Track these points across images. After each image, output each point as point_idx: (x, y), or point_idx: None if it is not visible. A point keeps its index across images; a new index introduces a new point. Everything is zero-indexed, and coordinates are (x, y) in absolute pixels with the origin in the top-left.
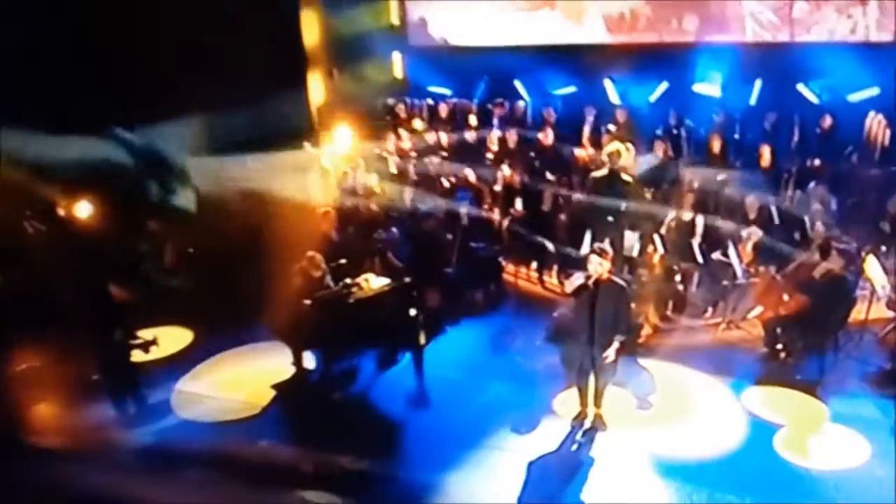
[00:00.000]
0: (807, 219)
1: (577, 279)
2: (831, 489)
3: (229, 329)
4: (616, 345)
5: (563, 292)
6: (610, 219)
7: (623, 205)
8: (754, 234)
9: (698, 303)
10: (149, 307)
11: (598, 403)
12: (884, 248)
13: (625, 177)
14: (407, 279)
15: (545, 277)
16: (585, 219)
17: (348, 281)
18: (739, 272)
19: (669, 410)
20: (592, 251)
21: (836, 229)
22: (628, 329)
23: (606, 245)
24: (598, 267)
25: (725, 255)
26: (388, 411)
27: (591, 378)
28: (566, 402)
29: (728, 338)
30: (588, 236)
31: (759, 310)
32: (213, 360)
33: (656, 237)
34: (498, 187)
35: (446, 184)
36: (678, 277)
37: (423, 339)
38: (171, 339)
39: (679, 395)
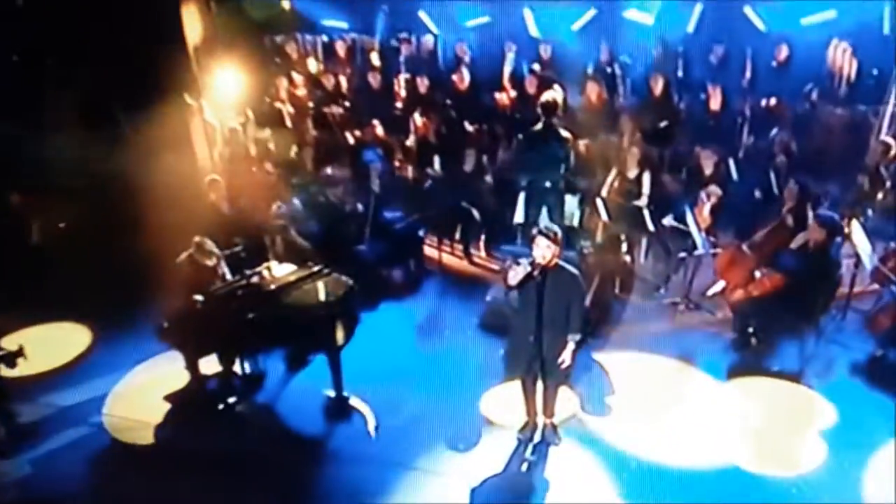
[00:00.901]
0: (772, 175)
1: (521, 269)
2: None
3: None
4: (571, 346)
5: (506, 285)
6: (548, 184)
7: (562, 166)
8: (713, 193)
9: (649, 278)
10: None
11: (548, 412)
12: (869, 212)
13: (563, 133)
14: (317, 267)
15: (472, 251)
16: (516, 181)
17: (247, 272)
18: (700, 242)
19: (629, 414)
20: (540, 232)
21: (811, 188)
22: (583, 326)
23: (553, 225)
24: (546, 251)
25: (681, 220)
26: (298, 426)
27: (540, 383)
28: (510, 408)
29: (689, 321)
30: (521, 202)
31: (720, 285)
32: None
33: (598, 201)
34: (410, 142)
35: (351, 140)
36: (624, 248)
37: (340, 337)
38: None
39: (639, 395)
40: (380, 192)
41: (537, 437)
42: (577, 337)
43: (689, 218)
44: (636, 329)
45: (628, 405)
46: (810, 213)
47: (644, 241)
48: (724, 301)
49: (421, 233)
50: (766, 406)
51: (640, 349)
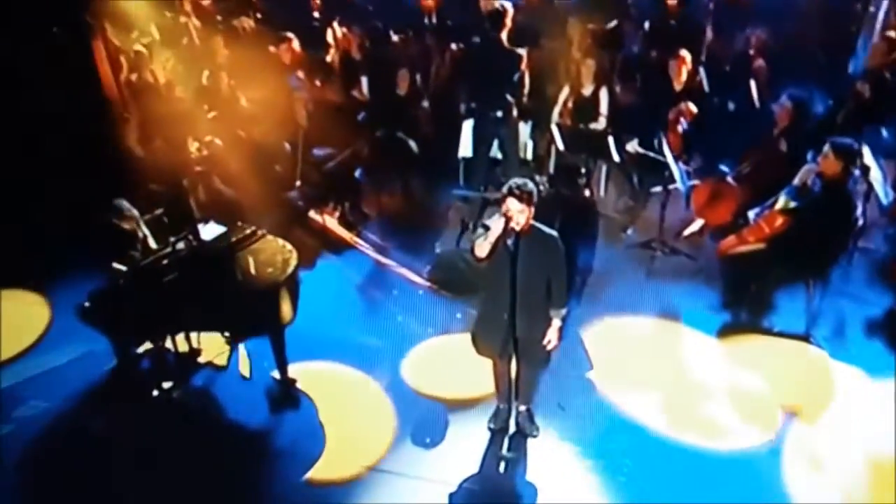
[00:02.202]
0: (752, 84)
1: (490, 236)
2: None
3: None
4: (557, 322)
5: (475, 257)
6: (499, 113)
7: (513, 89)
8: (686, 110)
9: (614, 216)
10: None
11: (524, 399)
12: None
13: (513, 49)
14: (250, 229)
15: (413, 191)
16: (459, 107)
17: (172, 238)
18: (677, 174)
19: (614, 393)
20: (511, 193)
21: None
22: (565, 297)
23: (526, 181)
24: (519, 216)
25: (648, 146)
26: (239, 416)
27: (514, 365)
28: (477, 387)
29: (665, 269)
30: (467, 131)
31: (698, 223)
32: None
33: (554, 128)
34: (331, 57)
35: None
36: (582, 181)
37: (285, 314)
38: None
39: (621, 368)
40: (307, 123)
41: (511, 427)
42: (563, 311)
43: (665, 145)
44: (606, 282)
45: (610, 381)
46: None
47: (603, 172)
48: (702, 242)
49: (357, 174)
50: (773, 374)
51: (615, 309)
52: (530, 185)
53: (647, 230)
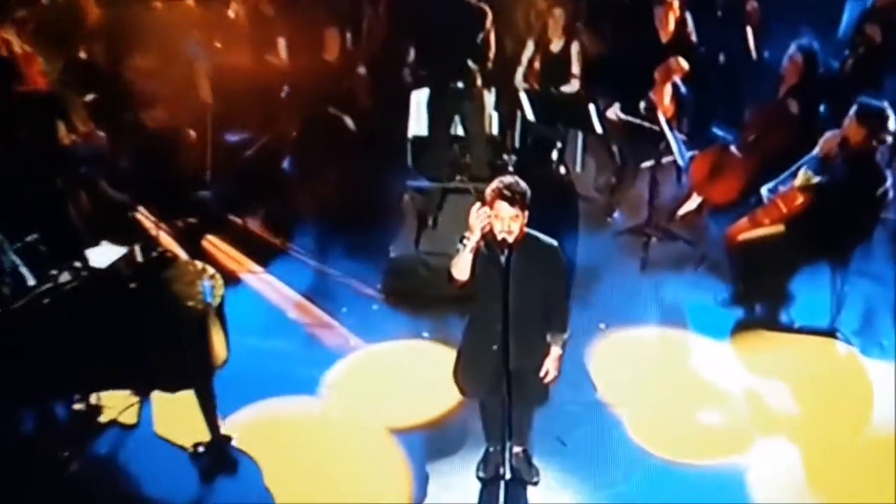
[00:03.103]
0: (748, 32)
1: (466, 253)
2: None
3: None
4: (556, 351)
5: (454, 282)
6: (461, 85)
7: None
8: (677, 67)
9: (598, 197)
10: None
11: (520, 439)
12: None
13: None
14: (160, 249)
15: (355, 181)
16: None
17: (53, 271)
18: (675, 145)
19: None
20: (501, 195)
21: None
22: (566, 320)
23: (519, 181)
24: (512, 223)
25: (632, 112)
26: (158, 495)
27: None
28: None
29: (661, 258)
30: (419, 105)
31: (696, 201)
32: None
33: (522, 95)
34: (234, 12)
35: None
36: (555, 156)
37: (217, 355)
38: None
39: (626, 391)
40: (214, 103)
41: (504, 473)
42: (565, 337)
43: (659, 111)
44: (595, 279)
45: (616, 405)
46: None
47: (579, 146)
48: (700, 223)
49: (286, 164)
50: (797, 380)
51: (609, 312)
52: (522, 184)
53: (635, 212)
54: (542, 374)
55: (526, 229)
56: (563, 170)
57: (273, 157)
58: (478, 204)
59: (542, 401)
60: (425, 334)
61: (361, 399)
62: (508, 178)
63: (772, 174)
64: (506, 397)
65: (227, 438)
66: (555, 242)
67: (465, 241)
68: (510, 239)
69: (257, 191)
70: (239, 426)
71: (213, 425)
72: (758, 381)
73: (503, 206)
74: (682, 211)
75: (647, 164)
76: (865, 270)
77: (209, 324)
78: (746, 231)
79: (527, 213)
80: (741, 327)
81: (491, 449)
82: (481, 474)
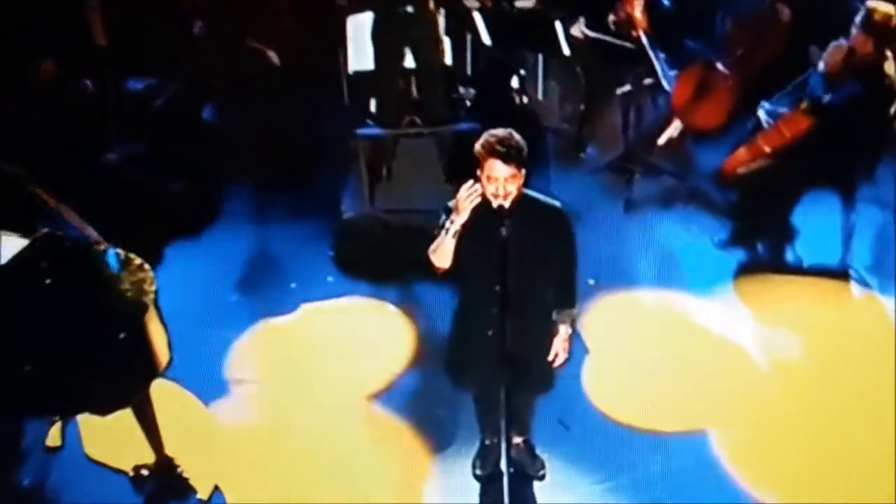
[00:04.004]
0: None
1: (450, 232)
2: None
3: None
4: (566, 331)
5: (435, 267)
6: (410, 9)
7: None
8: None
9: (566, 129)
10: None
11: (520, 428)
12: None
13: None
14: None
15: (290, 130)
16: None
17: None
18: (658, 64)
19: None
20: (493, 151)
21: None
22: (575, 294)
23: (514, 135)
24: (509, 184)
25: (605, 27)
26: None
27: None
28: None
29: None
30: (358, 34)
31: (676, 127)
32: None
33: (476, 14)
34: None
35: None
36: (515, 83)
37: (160, 355)
38: None
39: (631, 354)
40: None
41: (505, 468)
42: (574, 312)
43: (640, 32)
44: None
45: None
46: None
47: (540, 70)
48: (684, 152)
49: (207, 114)
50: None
51: (595, 265)
52: (517, 136)
53: (610, 145)
54: (550, 357)
55: (525, 191)
56: (525, 98)
57: (190, 106)
58: (470, 182)
59: (547, 388)
60: (391, 307)
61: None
62: (501, 131)
63: (764, 94)
64: (505, 387)
65: (169, 461)
66: (558, 203)
67: (447, 224)
68: (507, 204)
69: (174, 148)
70: None
71: (156, 443)
72: (767, 333)
73: (497, 166)
74: (662, 139)
75: (624, 89)
76: (873, 197)
77: (146, 321)
78: (746, 163)
79: (524, 171)
80: (744, 271)
81: (487, 442)
82: (479, 472)
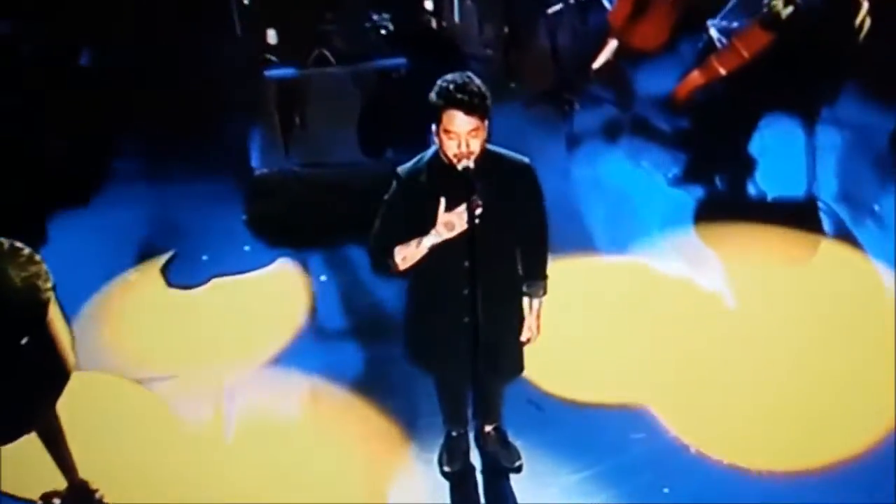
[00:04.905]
0: None
1: (425, 249)
2: None
3: None
4: (537, 304)
5: (398, 271)
6: None
7: None
8: None
9: (489, 55)
10: None
11: (491, 415)
12: None
13: None
14: None
15: (184, 71)
16: None
17: None
18: None
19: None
20: (452, 99)
21: None
22: (545, 263)
23: (474, 78)
24: (471, 139)
25: None
26: None
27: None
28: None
29: (591, 126)
30: None
31: (613, 45)
32: None
33: None
34: None
35: None
36: (429, 5)
37: (69, 362)
38: None
39: (598, 319)
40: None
41: (476, 459)
42: (546, 283)
43: None
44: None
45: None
46: None
47: None
48: (621, 76)
49: (84, 59)
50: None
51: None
52: (477, 80)
53: (540, 73)
54: (523, 338)
55: (489, 146)
56: (443, 23)
57: (63, 51)
58: (463, 206)
59: (519, 370)
60: (322, 277)
61: None
62: (457, 76)
63: (713, 5)
64: (477, 373)
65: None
66: (526, 159)
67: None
68: (471, 164)
69: (51, 102)
70: None
71: (67, 466)
72: (735, 284)
73: (458, 118)
74: (597, 62)
75: (555, 7)
76: (831, 117)
77: (47, 321)
78: (699, 85)
79: (487, 122)
80: (704, 209)
81: (454, 433)
82: (447, 468)
